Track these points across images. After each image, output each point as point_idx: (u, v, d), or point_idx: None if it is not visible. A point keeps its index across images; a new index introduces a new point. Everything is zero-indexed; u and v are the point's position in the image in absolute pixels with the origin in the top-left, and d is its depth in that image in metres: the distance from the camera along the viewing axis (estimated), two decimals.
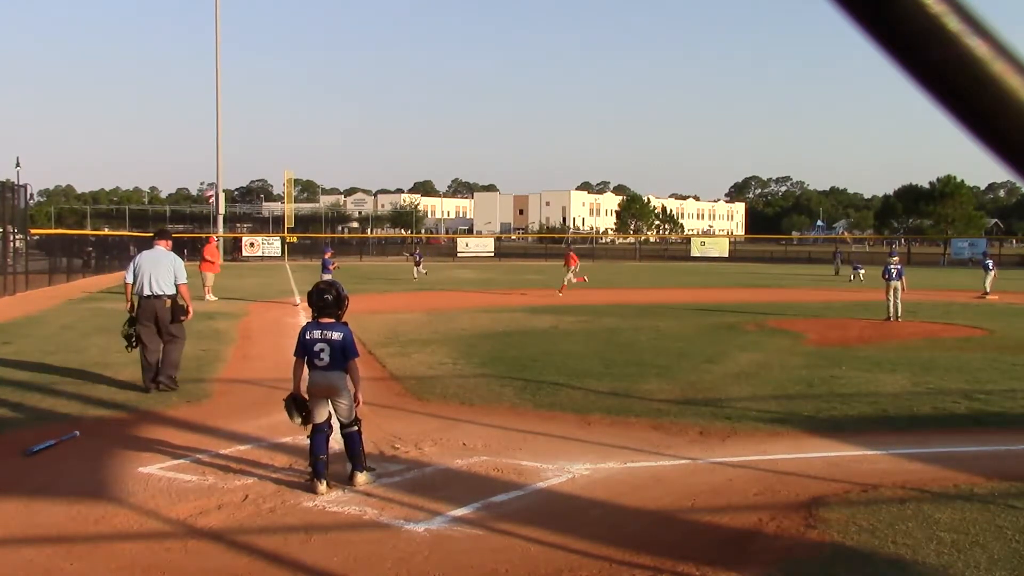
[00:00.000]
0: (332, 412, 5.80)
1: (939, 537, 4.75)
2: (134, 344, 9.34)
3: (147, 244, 10.96)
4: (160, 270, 9.44)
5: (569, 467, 6.23)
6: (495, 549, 4.66)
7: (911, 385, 9.69)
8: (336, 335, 5.73)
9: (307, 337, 5.78)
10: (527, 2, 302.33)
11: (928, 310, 19.96)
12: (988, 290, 25.07)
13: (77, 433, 7.11)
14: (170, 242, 10.23)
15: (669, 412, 8.16)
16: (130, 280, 9.64)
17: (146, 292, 9.38)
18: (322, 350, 5.70)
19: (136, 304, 9.49)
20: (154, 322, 9.37)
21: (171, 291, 9.48)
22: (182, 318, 9.55)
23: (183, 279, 9.63)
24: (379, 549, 4.67)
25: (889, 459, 6.55)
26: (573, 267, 24.80)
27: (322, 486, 5.57)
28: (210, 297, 20.91)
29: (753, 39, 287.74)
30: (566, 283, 24.52)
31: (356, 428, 5.77)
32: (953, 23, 0.57)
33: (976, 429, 7.72)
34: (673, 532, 4.99)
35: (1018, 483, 5.87)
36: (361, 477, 5.74)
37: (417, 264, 33.94)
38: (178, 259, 9.85)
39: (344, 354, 5.74)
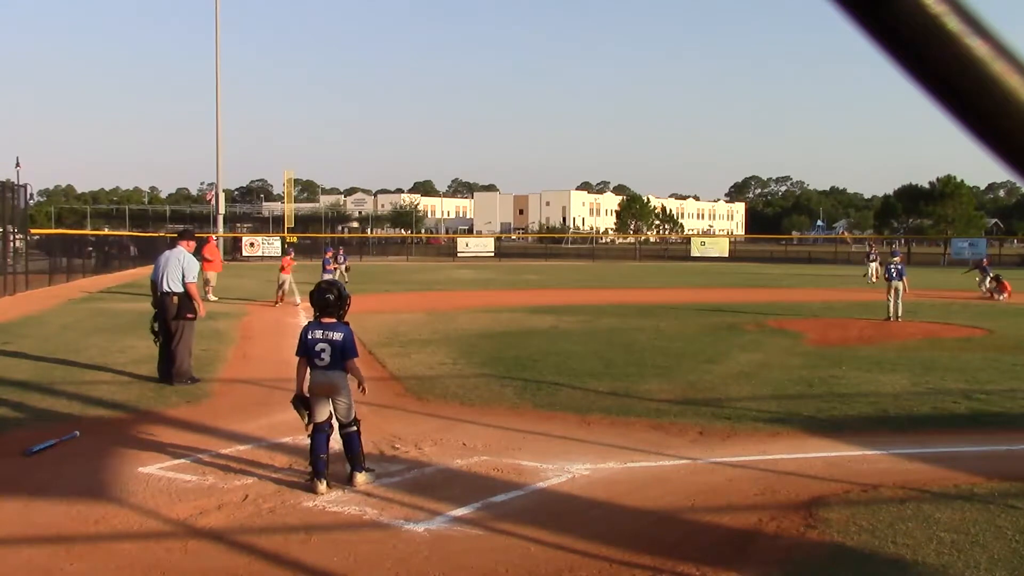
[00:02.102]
0: (332, 412, 5.80)
1: (939, 537, 4.75)
2: (157, 338, 9.80)
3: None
4: (171, 268, 9.82)
5: (569, 467, 6.23)
6: (495, 549, 4.66)
7: (911, 385, 9.69)
8: (337, 335, 5.73)
9: (308, 337, 5.78)
10: (527, 2, 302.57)
11: (928, 310, 19.95)
12: (986, 289, 25.03)
13: (77, 433, 7.11)
14: (192, 243, 10.62)
15: (669, 412, 8.16)
16: (155, 278, 10.04)
17: (160, 289, 9.86)
18: (323, 350, 5.70)
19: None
20: (165, 318, 9.77)
21: (179, 289, 9.79)
22: (188, 316, 9.80)
23: (190, 278, 9.90)
24: (379, 549, 4.67)
25: (889, 459, 6.55)
26: (286, 276, 19.81)
27: (322, 485, 5.57)
28: (212, 297, 20.91)
29: (753, 39, 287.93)
30: (282, 294, 19.53)
31: (355, 428, 5.77)
32: (953, 23, 0.57)
33: (976, 429, 7.71)
34: (673, 532, 4.99)
35: (1018, 483, 5.88)
36: (360, 477, 5.74)
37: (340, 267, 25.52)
38: (190, 258, 10.11)
39: (344, 354, 5.75)
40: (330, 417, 5.77)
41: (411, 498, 5.51)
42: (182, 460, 6.40)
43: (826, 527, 4.95)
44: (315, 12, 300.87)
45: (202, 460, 6.40)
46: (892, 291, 17.34)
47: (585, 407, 8.40)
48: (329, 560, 4.52)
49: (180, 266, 9.83)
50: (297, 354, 5.92)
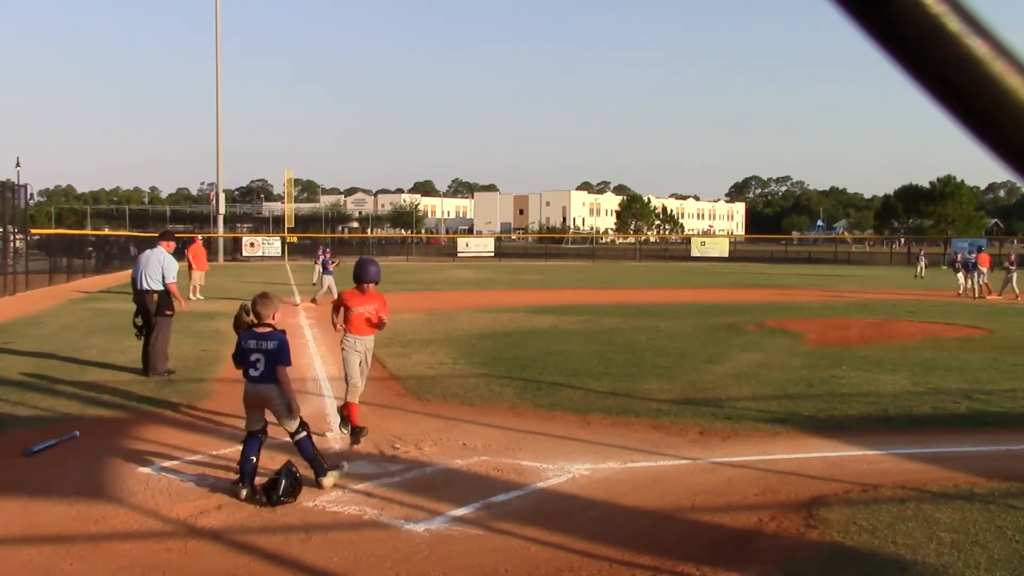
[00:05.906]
0: (278, 420, 5.67)
1: (939, 537, 4.75)
2: (140, 332, 10.22)
3: (147, 244, 11.64)
4: (151, 268, 10.25)
5: (569, 467, 6.23)
6: (495, 549, 4.66)
7: (911, 385, 9.69)
8: (271, 344, 5.63)
9: (243, 346, 5.71)
10: (527, 2, 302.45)
11: (928, 310, 19.96)
12: (1016, 291, 24.94)
13: (77, 433, 7.11)
14: (172, 243, 10.99)
15: (669, 412, 8.16)
16: (134, 277, 10.51)
17: (139, 287, 10.32)
18: (257, 360, 5.61)
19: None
20: (144, 314, 10.22)
21: (159, 287, 10.24)
22: (167, 312, 10.26)
23: (170, 278, 10.32)
24: (379, 549, 4.67)
25: (889, 459, 6.55)
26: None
27: (245, 491, 5.47)
28: (197, 297, 20.85)
29: (753, 39, 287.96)
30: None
31: (304, 433, 5.66)
32: (953, 23, 0.57)
33: (976, 429, 7.71)
34: (673, 532, 4.99)
35: (1018, 483, 5.88)
36: (326, 480, 5.66)
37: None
38: (169, 259, 10.50)
39: (276, 361, 5.59)
40: (265, 425, 5.67)
41: (411, 498, 5.51)
42: (182, 460, 6.40)
43: (826, 527, 4.95)
44: (315, 12, 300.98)
45: (202, 460, 6.40)
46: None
47: (585, 407, 8.40)
48: (329, 560, 4.52)
49: (160, 266, 10.25)
50: (233, 358, 5.84)
